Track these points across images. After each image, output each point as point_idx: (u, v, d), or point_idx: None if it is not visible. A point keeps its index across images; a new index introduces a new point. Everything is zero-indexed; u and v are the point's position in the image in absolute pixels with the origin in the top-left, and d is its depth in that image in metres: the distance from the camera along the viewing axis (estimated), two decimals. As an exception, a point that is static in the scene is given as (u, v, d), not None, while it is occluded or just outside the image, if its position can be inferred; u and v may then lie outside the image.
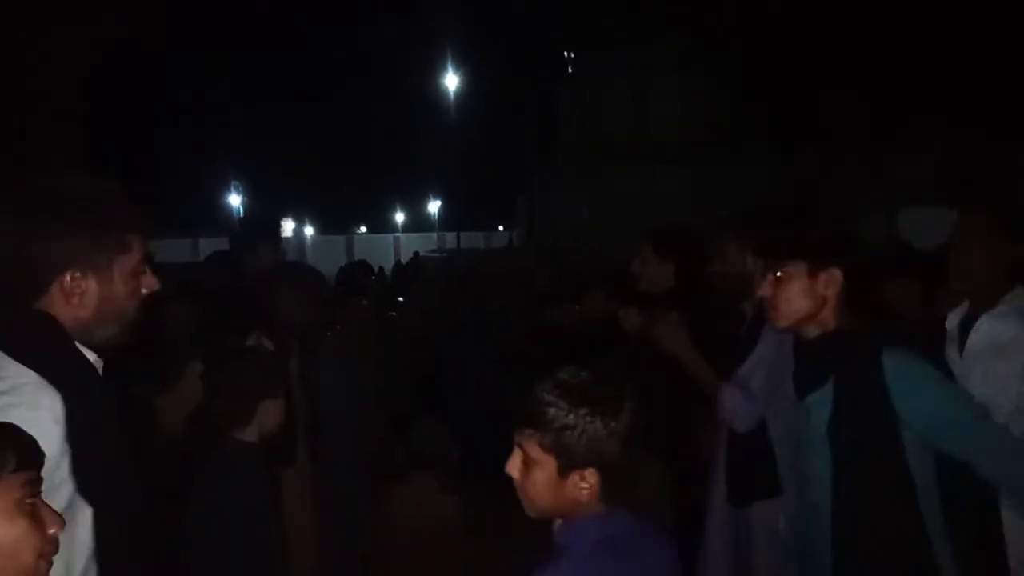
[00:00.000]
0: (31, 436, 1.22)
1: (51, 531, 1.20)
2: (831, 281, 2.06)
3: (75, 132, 15.40)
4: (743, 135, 17.60)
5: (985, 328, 2.57)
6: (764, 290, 2.13)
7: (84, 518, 1.43)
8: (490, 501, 3.05)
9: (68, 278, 1.51)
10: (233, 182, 37.53)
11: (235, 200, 37.58)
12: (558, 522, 1.62)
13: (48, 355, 1.46)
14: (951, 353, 2.66)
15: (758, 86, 16.91)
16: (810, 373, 2.12)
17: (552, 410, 1.52)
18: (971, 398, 2.12)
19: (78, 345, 1.54)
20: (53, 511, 1.22)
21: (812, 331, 2.11)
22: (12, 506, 1.15)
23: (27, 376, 1.41)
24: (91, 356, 1.57)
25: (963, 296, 2.68)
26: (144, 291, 1.62)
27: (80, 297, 1.53)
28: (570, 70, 21.28)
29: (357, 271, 5.09)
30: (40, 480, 1.21)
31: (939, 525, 1.99)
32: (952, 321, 2.70)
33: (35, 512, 1.19)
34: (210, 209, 37.01)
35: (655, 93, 19.59)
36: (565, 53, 21.19)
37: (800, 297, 2.08)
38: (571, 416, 1.51)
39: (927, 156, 13.85)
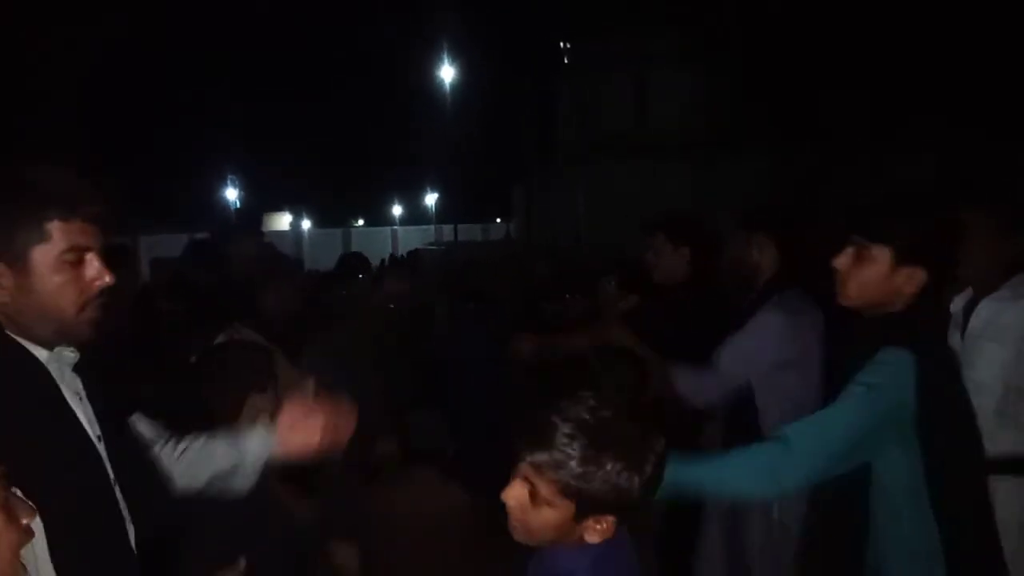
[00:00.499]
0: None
1: (24, 522, 1.17)
2: (913, 279, 1.92)
3: (74, 128, 15.40)
4: (744, 132, 17.57)
5: (986, 311, 2.59)
6: (839, 262, 1.98)
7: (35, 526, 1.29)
8: (488, 498, 3.02)
9: None
10: (229, 176, 37.49)
11: (231, 195, 37.52)
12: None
13: None
14: (953, 338, 2.67)
15: (759, 83, 16.89)
16: (851, 355, 2.02)
17: (574, 461, 1.39)
18: (851, 426, 1.88)
19: (21, 341, 1.46)
20: (23, 501, 1.17)
21: (876, 313, 1.99)
22: None
23: None
24: (41, 353, 1.48)
25: (966, 282, 2.69)
26: (96, 285, 1.49)
27: None
28: (566, 61, 21.22)
29: (354, 261, 5.06)
30: (7, 474, 1.17)
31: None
32: (956, 305, 2.72)
33: (7, 505, 1.16)
34: (208, 205, 36.94)
35: (654, 88, 19.55)
36: (562, 44, 21.11)
37: (875, 284, 1.94)
38: (600, 468, 1.38)
39: (927, 156, 13.82)
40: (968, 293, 2.69)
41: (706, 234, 3.57)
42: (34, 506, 1.19)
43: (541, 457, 1.42)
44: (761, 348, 2.83)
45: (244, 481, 1.91)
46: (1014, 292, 2.57)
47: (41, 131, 13.69)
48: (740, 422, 2.92)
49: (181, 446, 1.91)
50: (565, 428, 1.41)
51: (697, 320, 3.23)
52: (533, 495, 1.44)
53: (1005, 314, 2.54)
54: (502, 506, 1.53)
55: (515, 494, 1.46)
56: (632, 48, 18.93)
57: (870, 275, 1.94)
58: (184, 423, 2.52)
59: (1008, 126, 12.44)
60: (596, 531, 1.45)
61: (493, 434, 4.51)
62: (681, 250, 3.44)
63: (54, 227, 1.43)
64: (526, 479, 1.45)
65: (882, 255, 1.92)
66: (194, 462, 1.88)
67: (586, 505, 1.42)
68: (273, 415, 2.39)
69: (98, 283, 1.49)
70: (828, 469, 1.87)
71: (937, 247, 1.93)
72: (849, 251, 1.97)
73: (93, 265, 1.49)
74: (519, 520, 1.49)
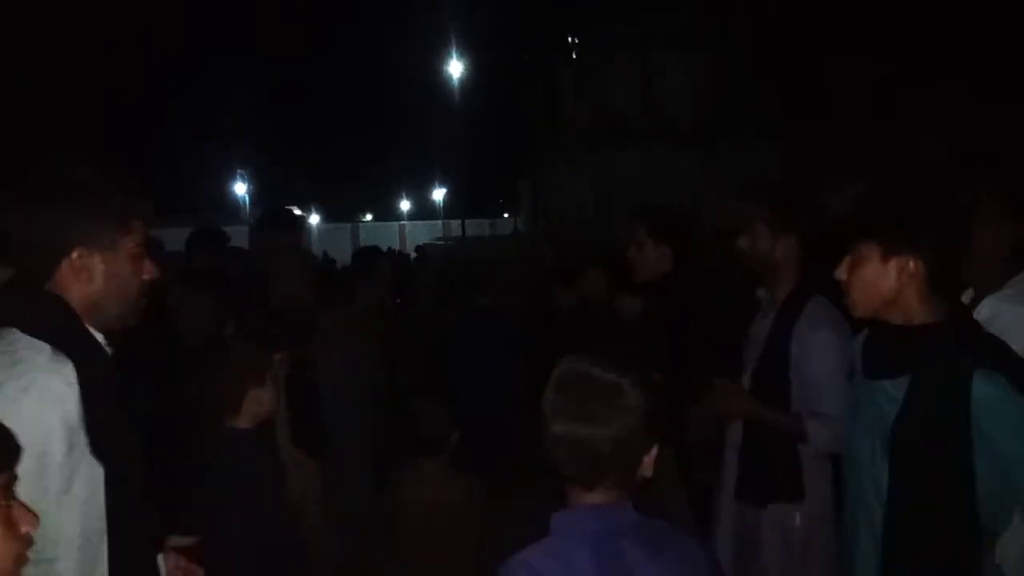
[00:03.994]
0: (6, 433, 1.22)
1: (24, 530, 1.20)
2: (905, 269, 1.85)
3: (84, 122, 15.45)
4: (752, 113, 17.42)
5: (987, 309, 2.50)
6: (838, 271, 1.94)
7: (97, 476, 1.55)
8: (490, 487, 3.03)
9: (75, 256, 1.62)
10: (239, 172, 37.61)
11: (241, 189, 37.66)
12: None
13: (60, 330, 1.58)
14: None
15: (766, 63, 16.74)
16: (887, 360, 1.93)
17: None
18: None
19: (88, 327, 1.64)
20: (26, 509, 1.22)
21: (895, 318, 1.91)
22: None
23: (42, 348, 1.54)
24: (100, 337, 1.67)
25: (970, 276, 2.64)
26: (145, 276, 1.71)
27: (88, 274, 1.64)
28: (574, 56, 21.12)
29: (369, 256, 5.10)
30: (14, 479, 1.19)
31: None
32: None
33: (9, 515, 1.17)
34: (219, 198, 37.13)
35: (660, 70, 19.36)
36: (568, 32, 21.02)
37: (873, 284, 1.88)
38: None
39: (938, 131, 13.67)
40: (971, 293, 2.63)
41: (689, 227, 3.40)
42: (36, 513, 1.26)
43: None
44: (838, 370, 2.47)
45: None
46: (1018, 290, 2.45)
47: (50, 125, 13.73)
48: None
49: None
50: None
51: (701, 316, 3.09)
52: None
53: (1009, 312, 2.47)
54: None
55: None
56: (637, 29, 18.79)
57: (866, 276, 1.89)
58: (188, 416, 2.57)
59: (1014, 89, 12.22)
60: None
61: (496, 425, 4.55)
62: (662, 247, 3.29)
63: (135, 223, 1.69)
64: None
65: (870, 251, 1.87)
66: None
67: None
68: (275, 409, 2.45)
69: (148, 274, 1.73)
70: None
71: (923, 232, 1.85)
72: (845, 259, 1.93)
73: (147, 258, 1.72)
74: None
